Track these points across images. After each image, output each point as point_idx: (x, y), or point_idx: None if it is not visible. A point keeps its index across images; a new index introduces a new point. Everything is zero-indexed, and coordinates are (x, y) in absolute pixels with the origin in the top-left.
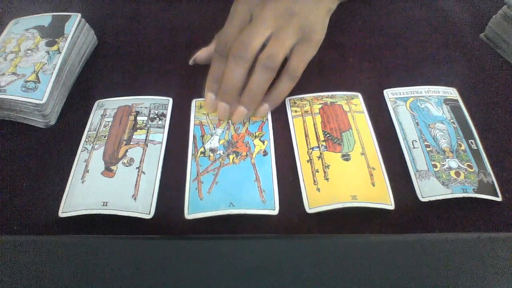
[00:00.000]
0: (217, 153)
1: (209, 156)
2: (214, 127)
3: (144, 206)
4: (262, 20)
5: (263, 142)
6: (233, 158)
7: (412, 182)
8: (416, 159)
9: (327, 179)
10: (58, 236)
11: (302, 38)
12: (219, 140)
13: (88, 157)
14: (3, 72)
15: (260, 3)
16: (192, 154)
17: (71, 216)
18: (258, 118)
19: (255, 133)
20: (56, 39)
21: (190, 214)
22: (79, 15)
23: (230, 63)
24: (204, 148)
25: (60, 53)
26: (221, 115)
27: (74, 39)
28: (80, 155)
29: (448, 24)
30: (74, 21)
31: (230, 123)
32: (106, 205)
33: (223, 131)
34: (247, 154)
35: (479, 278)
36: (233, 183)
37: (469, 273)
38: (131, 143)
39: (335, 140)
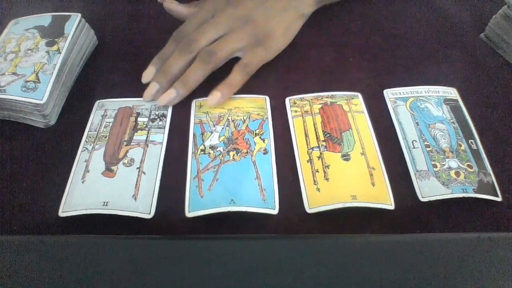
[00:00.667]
0: (217, 150)
1: (209, 153)
2: (213, 124)
3: (144, 206)
4: (217, 22)
5: (263, 140)
6: (233, 155)
7: (412, 182)
8: (416, 159)
9: (327, 179)
10: (58, 236)
11: (256, 43)
12: (218, 137)
13: (89, 157)
14: (3, 72)
15: (223, 6)
16: (192, 153)
17: (71, 216)
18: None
19: (255, 130)
20: (56, 39)
21: (190, 212)
22: (79, 15)
23: (175, 52)
24: (204, 145)
25: (60, 53)
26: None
27: (74, 39)
28: (81, 155)
29: (448, 24)
30: (74, 21)
31: (230, 119)
32: (106, 205)
33: (222, 128)
34: (247, 151)
35: (479, 278)
36: (233, 180)
37: (469, 273)
38: (132, 143)
39: (335, 140)
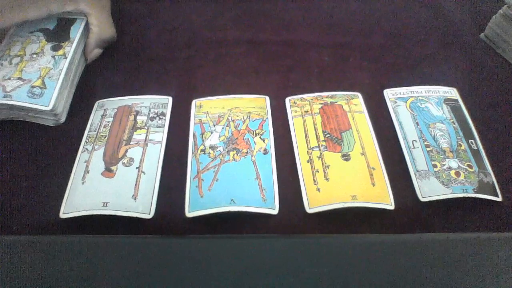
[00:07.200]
0: (217, 150)
1: (209, 153)
2: (213, 124)
3: (144, 206)
4: None
5: (263, 140)
6: (233, 155)
7: (412, 182)
8: (416, 159)
9: (327, 179)
10: (58, 236)
11: None
12: (218, 137)
13: (89, 158)
14: (8, 77)
15: None
16: (192, 152)
17: (71, 217)
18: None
19: (255, 130)
20: (62, 44)
21: (191, 211)
22: (85, 19)
23: None
24: (204, 145)
25: (66, 58)
26: None
27: (79, 44)
28: (81, 156)
29: (448, 24)
30: (80, 26)
31: (230, 119)
32: (106, 206)
33: (222, 128)
34: (247, 151)
35: (479, 278)
36: (233, 180)
37: (469, 273)
38: (131, 143)
39: (335, 140)
